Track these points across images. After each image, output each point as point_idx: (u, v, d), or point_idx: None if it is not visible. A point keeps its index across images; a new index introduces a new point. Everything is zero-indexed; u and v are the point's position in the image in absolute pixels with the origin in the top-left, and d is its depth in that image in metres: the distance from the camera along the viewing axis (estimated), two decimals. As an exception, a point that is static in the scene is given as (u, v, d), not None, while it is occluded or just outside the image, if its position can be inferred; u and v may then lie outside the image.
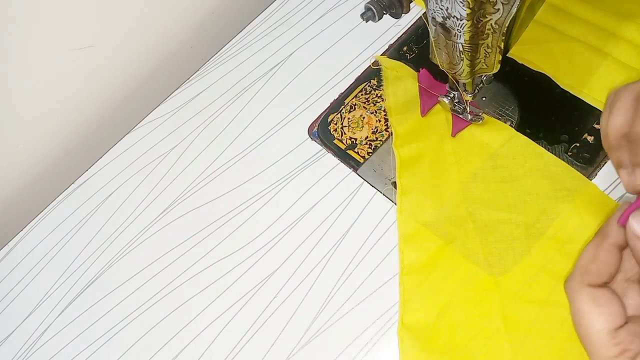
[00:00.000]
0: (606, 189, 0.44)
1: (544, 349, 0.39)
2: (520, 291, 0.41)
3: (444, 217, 0.45)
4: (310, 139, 0.52)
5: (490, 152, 0.46)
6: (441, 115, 0.49)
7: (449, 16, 0.36)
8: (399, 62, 0.52)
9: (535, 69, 0.49)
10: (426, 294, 0.43)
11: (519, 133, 0.46)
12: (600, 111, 0.46)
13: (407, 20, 0.54)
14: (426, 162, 0.48)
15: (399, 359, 0.41)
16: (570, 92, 0.47)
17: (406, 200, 0.46)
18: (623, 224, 0.32)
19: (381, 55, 0.54)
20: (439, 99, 0.48)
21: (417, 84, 0.50)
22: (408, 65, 0.52)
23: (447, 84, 0.46)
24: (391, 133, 0.49)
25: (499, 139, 0.47)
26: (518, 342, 0.40)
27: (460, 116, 0.47)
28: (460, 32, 0.37)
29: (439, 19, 0.37)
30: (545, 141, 0.46)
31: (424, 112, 0.49)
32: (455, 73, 0.42)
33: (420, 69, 0.50)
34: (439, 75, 0.48)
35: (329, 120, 0.52)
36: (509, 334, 0.40)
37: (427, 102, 0.49)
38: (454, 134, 0.48)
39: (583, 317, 0.31)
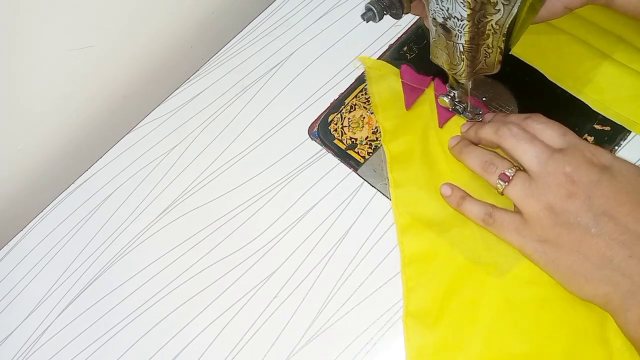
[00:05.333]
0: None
1: (548, 328, 0.40)
2: (521, 273, 0.41)
3: (438, 207, 0.46)
4: (310, 139, 0.52)
5: None
6: (425, 107, 0.50)
7: (450, 17, 0.36)
8: (380, 60, 0.53)
9: (538, 69, 0.49)
10: (428, 281, 0.43)
11: None
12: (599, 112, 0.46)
13: (407, 20, 0.54)
14: (416, 155, 0.48)
15: (405, 346, 0.42)
16: (570, 92, 0.47)
17: (400, 193, 0.47)
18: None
19: (381, 55, 0.54)
20: (439, 98, 0.48)
21: (400, 80, 0.50)
22: (408, 65, 0.52)
23: (448, 83, 0.46)
24: (380, 130, 0.50)
25: None
26: (522, 324, 0.40)
27: (447, 107, 0.48)
28: (460, 32, 0.37)
29: (440, 20, 0.37)
30: (545, 141, 0.46)
31: (409, 105, 0.50)
32: (455, 73, 0.42)
33: (402, 65, 0.51)
34: (440, 74, 0.48)
35: (329, 120, 0.52)
36: (512, 315, 0.41)
37: (410, 96, 0.50)
38: (441, 125, 0.48)
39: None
